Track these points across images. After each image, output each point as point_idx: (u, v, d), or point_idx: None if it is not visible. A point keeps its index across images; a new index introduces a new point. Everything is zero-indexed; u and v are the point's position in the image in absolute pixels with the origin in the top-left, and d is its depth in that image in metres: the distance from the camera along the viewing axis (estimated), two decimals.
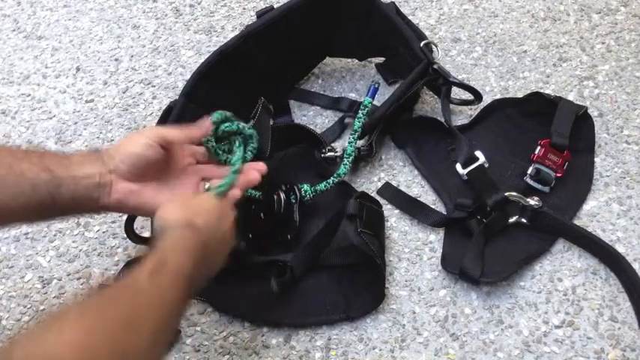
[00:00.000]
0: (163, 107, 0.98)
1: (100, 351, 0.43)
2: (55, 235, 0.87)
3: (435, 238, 0.84)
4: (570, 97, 0.97)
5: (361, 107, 0.86)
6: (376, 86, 0.87)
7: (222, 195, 0.68)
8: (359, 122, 0.86)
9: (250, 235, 0.80)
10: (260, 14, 0.94)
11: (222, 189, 0.68)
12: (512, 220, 0.82)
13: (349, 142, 0.86)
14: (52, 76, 1.10)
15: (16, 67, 1.12)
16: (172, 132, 0.67)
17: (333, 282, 0.78)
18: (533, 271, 0.79)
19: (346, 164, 0.85)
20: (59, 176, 0.60)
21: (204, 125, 0.70)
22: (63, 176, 0.60)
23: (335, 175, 0.84)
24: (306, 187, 0.83)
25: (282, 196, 0.81)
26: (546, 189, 0.85)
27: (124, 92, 1.06)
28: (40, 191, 0.59)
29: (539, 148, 0.86)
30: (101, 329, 0.44)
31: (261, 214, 0.80)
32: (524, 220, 0.82)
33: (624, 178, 0.88)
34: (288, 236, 0.80)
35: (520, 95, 0.98)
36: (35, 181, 0.59)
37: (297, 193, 0.82)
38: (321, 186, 0.84)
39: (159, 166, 0.67)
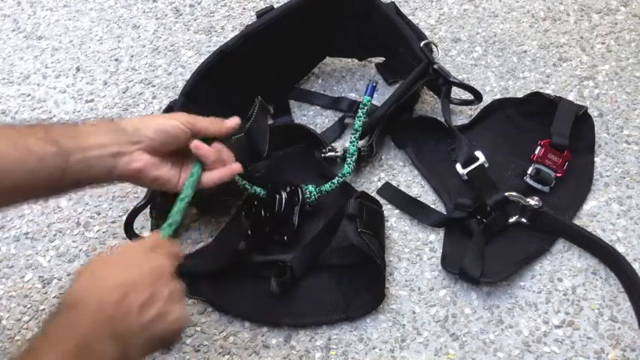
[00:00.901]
0: (163, 107, 0.98)
1: None
2: (55, 235, 0.87)
3: (435, 238, 0.84)
4: (570, 97, 0.97)
5: (360, 106, 0.86)
6: (374, 85, 0.87)
7: (171, 234, 0.62)
8: (359, 121, 0.86)
9: (250, 232, 0.80)
10: (260, 14, 0.94)
11: (168, 230, 0.63)
12: (512, 220, 0.82)
13: (351, 142, 0.86)
14: (52, 76, 1.10)
15: (16, 67, 1.12)
16: (202, 121, 0.68)
17: (333, 282, 0.78)
18: (533, 271, 0.79)
19: (350, 164, 0.85)
20: (67, 147, 0.58)
21: (234, 121, 0.71)
22: (71, 147, 0.58)
23: (340, 175, 0.84)
24: (311, 187, 0.83)
25: (284, 196, 0.81)
26: (546, 189, 0.85)
27: (124, 92, 1.06)
28: (47, 165, 0.57)
29: (539, 148, 0.86)
30: None
31: (262, 213, 0.80)
32: (524, 220, 0.82)
33: (624, 178, 0.88)
34: (285, 238, 0.80)
35: (520, 95, 0.98)
36: (41, 154, 0.57)
37: (300, 195, 0.81)
38: (326, 187, 0.84)
39: (178, 150, 0.67)
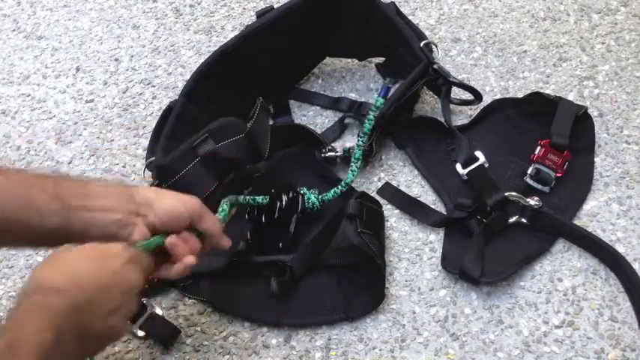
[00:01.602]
0: (163, 107, 0.98)
1: None
2: None
3: (435, 238, 0.84)
4: (570, 97, 0.97)
5: (372, 109, 0.85)
6: (389, 86, 0.86)
7: (144, 251, 0.60)
8: (369, 124, 0.84)
9: (249, 235, 0.80)
10: (260, 14, 0.94)
11: (144, 245, 0.60)
12: (512, 220, 0.82)
13: (358, 146, 0.85)
14: (52, 76, 1.10)
15: (16, 67, 1.12)
16: (208, 221, 0.65)
17: (333, 282, 0.78)
18: (533, 271, 0.79)
19: (354, 170, 0.85)
20: (72, 206, 0.57)
21: (228, 243, 0.69)
22: (76, 205, 0.57)
23: (343, 184, 0.84)
24: (313, 198, 0.82)
25: (284, 203, 0.80)
26: (546, 189, 0.85)
27: (124, 92, 1.06)
28: (49, 221, 0.56)
29: (539, 148, 0.86)
30: None
31: (262, 218, 0.80)
32: (524, 220, 0.82)
33: (624, 178, 0.88)
34: (280, 244, 0.80)
35: (520, 95, 0.98)
36: (44, 211, 0.55)
37: (300, 204, 0.81)
38: (329, 195, 0.83)
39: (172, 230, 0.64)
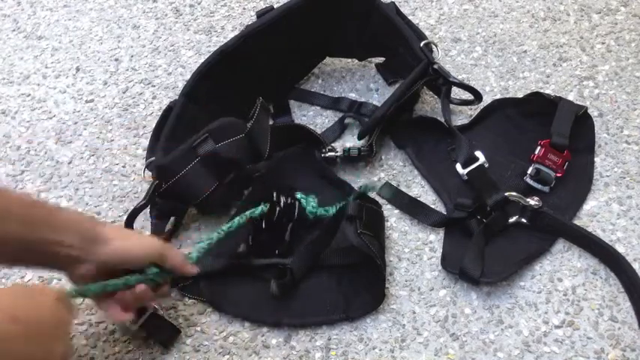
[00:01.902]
0: (163, 107, 0.98)
1: None
2: None
3: (435, 238, 0.84)
4: (570, 97, 0.97)
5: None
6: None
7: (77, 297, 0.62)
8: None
9: (250, 238, 0.79)
10: (260, 14, 0.94)
11: (76, 291, 0.62)
12: (512, 220, 0.82)
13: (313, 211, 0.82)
14: (52, 76, 1.10)
15: (16, 67, 1.12)
16: (172, 258, 0.68)
17: (333, 282, 0.78)
18: (533, 271, 0.79)
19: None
20: (35, 239, 0.59)
21: (194, 270, 0.71)
22: (39, 238, 0.60)
23: (338, 207, 0.82)
24: (310, 207, 0.81)
25: (282, 205, 0.80)
26: (546, 189, 0.85)
27: (124, 92, 1.06)
28: (14, 247, 0.59)
29: (539, 148, 0.86)
30: None
31: (262, 223, 0.80)
32: (524, 220, 0.82)
33: (624, 178, 0.88)
34: (277, 251, 0.80)
35: (520, 95, 0.98)
36: (10, 236, 0.58)
37: (296, 212, 0.81)
38: (328, 210, 0.82)
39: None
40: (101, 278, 0.64)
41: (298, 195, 0.82)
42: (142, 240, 0.68)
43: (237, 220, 0.76)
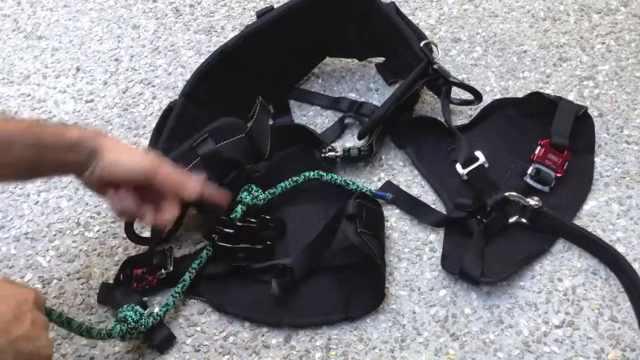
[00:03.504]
0: (163, 107, 0.98)
1: None
2: (55, 235, 0.87)
3: (435, 238, 0.84)
4: (570, 97, 0.97)
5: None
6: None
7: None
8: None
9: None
10: (260, 14, 0.94)
11: (57, 316, 0.65)
12: (512, 220, 0.82)
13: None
14: (52, 76, 1.10)
15: (16, 67, 1.12)
16: (166, 171, 0.69)
17: (333, 282, 0.78)
18: (533, 271, 0.79)
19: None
20: (48, 158, 0.64)
21: (198, 187, 0.72)
22: (52, 158, 0.64)
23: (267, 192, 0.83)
24: (251, 198, 0.81)
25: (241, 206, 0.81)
26: (546, 189, 0.85)
27: (124, 92, 1.06)
28: (25, 164, 0.63)
29: (539, 148, 0.86)
30: None
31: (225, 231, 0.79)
32: (524, 220, 0.82)
33: (624, 178, 0.88)
34: (259, 246, 0.80)
35: (520, 95, 0.98)
36: (25, 158, 0.63)
37: (241, 208, 0.81)
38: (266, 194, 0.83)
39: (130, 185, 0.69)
40: (102, 187, 0.68)
41: (242, 195, 0.82)
42: (133, 154, 0.69)
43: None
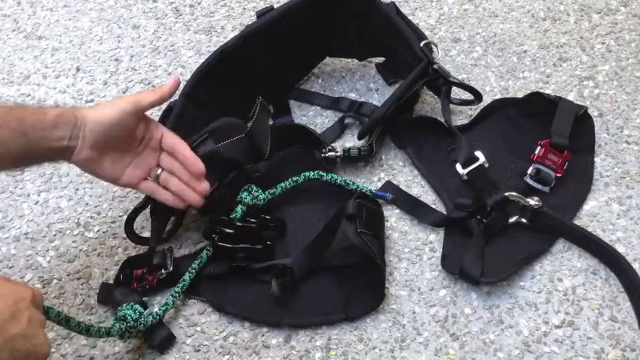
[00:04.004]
0: (163, 107, 0.98)
1: None
2: (55, 235, 0.87)
3: (435, 238, 0.84)
4: (570, 97, 0.97)
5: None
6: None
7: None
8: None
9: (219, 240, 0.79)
10: (260, 14, 0.94)
11: (55, 314, 0.63)
12: (512, 220, 0.82)
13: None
14: (52, 76, 1.10)
15: (16, 67, 1.12)
16: (145, 96, 0.72)
17: (333, 282, 0.78)
18: (533, 271, 0.79)
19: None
20: (35, 138, 0.65)
21: (174, 81, 0.75)
22: (38, 138, 0.66)
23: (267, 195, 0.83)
24: (251, 198, 0.82)
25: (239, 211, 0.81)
26: (546, 189, 0.85)
27: (124, 92, 1.06)
28: (14, 152, 0.65)
29: (539, 148, 0.86)
30: None
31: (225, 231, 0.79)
32: (524, 220, 0.82)
33: (624, 178, 0.88)
34: (259, 246, 0.80)
35: (520, 95, 0.98)
36: (10, 145, 0.64)
37: (241, 209, 0.81)
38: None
39: (125, 139, 0.72)
40: (101, 156, 0.71)
41: (242, 195, 0.82)
42: (113, 101, 0.72)
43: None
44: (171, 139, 0.75)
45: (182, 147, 0.75)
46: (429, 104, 1.00)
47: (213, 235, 0.79)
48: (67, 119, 0.68)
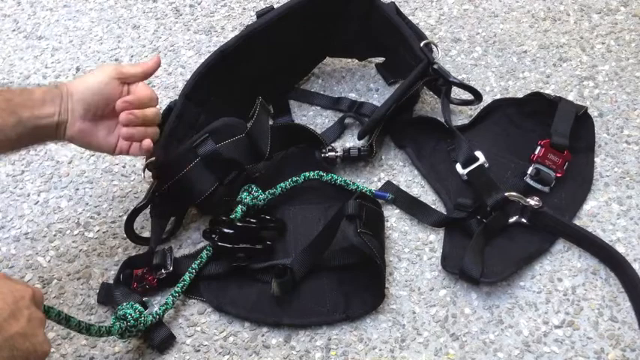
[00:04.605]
0: (163, 107, 0.98)
1: None
2: (55, 235, 0.87)
3: (435, 238, 0.84)
4: (570, 97, 0.97)
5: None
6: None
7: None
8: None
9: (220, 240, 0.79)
10: (260, 14, 0.94)
11: (55, 313, 0.63)
12: (512, 220, 0.82)
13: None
14: (52, 76, 1.10)
15: (16, 67, 1.12)
16: (130, 67, 0.74)
17: (333, 282, 0.78)
18: (533, 271, 0.79)
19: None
20: (24, 117, 0.67)
21: (156, 59, 0.76)
22: (28, 116, 0.67)
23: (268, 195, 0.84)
24: (252, 198, 0.82)
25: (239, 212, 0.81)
26: (546, 189, 0.85)
27: None
28: (6, 132, 0.66)
29: (539, 148, 0.86)
30: None
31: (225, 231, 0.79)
32: (524, 220, 0.82)
33: (624, 178, 0.88)
34: (259, 246, 0.80)
35: (520, 95, 0.98)
36: (2, 125, 0.65)
37: (241, 209, 0.81)
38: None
39: (112, 105, 0.72)
40: (94, 127, 0.72)
41: (242, 195, 0.82)
42: (95, 70, 0.74)
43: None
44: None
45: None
46: (429, 104, 1.00)
47: (213, 235, 0.79)
48: (53, 94, 0.69)
